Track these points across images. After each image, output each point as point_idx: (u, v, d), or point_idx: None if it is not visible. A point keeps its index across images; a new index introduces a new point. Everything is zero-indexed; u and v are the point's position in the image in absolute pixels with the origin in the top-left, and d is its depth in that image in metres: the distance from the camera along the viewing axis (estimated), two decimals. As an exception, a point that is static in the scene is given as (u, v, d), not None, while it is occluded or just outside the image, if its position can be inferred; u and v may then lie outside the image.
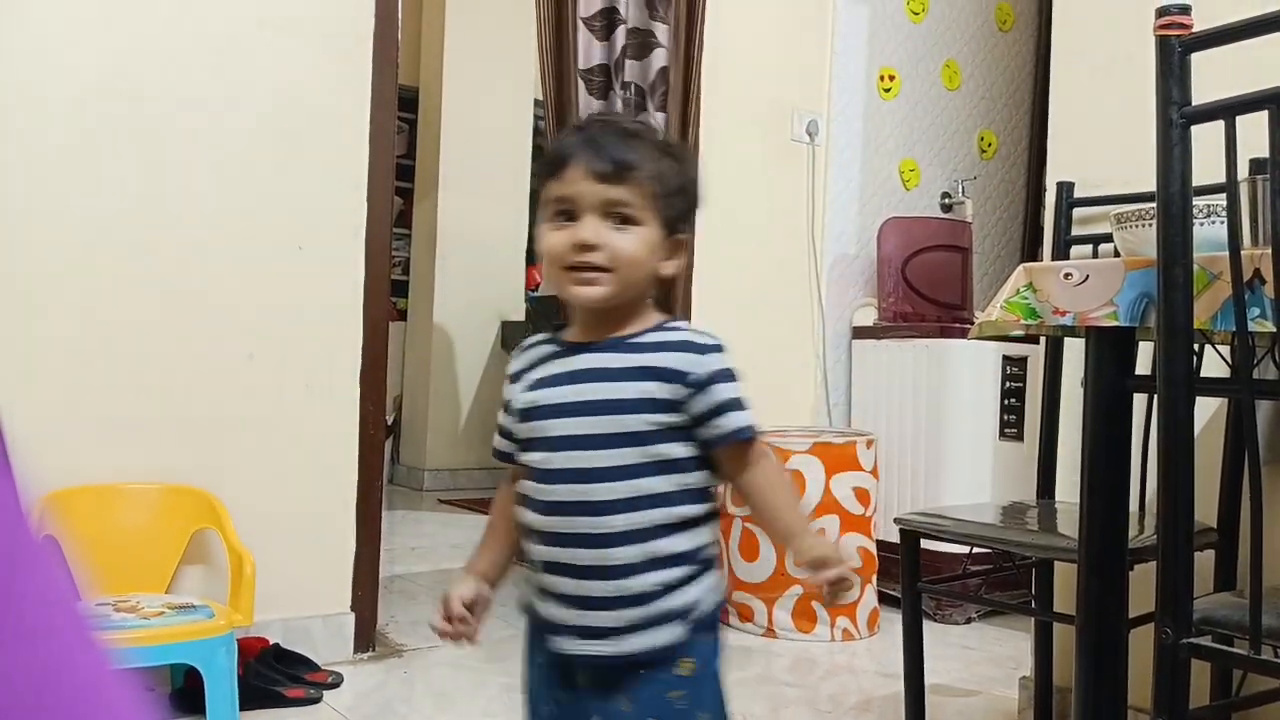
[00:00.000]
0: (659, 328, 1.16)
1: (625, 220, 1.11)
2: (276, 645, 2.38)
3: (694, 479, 1.12)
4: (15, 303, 2.20)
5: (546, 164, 1.16)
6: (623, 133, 1.15)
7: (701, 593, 1.12)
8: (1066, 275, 1.44)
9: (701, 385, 1.11)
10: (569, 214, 1.11)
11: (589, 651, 1.12)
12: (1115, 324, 1.36)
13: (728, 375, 1.12)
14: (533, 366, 1.19)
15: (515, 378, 1.21)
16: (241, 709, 2.12)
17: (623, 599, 1.10)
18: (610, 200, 1.10)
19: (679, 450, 1.11)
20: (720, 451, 1.13)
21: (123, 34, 2.32)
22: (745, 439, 1.12)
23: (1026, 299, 1.50)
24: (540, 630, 1.17)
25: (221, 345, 2.43)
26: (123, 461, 2.29)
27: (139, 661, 2.08)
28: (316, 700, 2.30)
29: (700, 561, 1.13)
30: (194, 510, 2.34)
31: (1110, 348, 1.44)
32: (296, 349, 2.53)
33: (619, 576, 1.10)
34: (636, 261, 1.11)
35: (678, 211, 1.15)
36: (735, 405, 1.12)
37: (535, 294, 5.24)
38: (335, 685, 2.38)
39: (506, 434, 1.22)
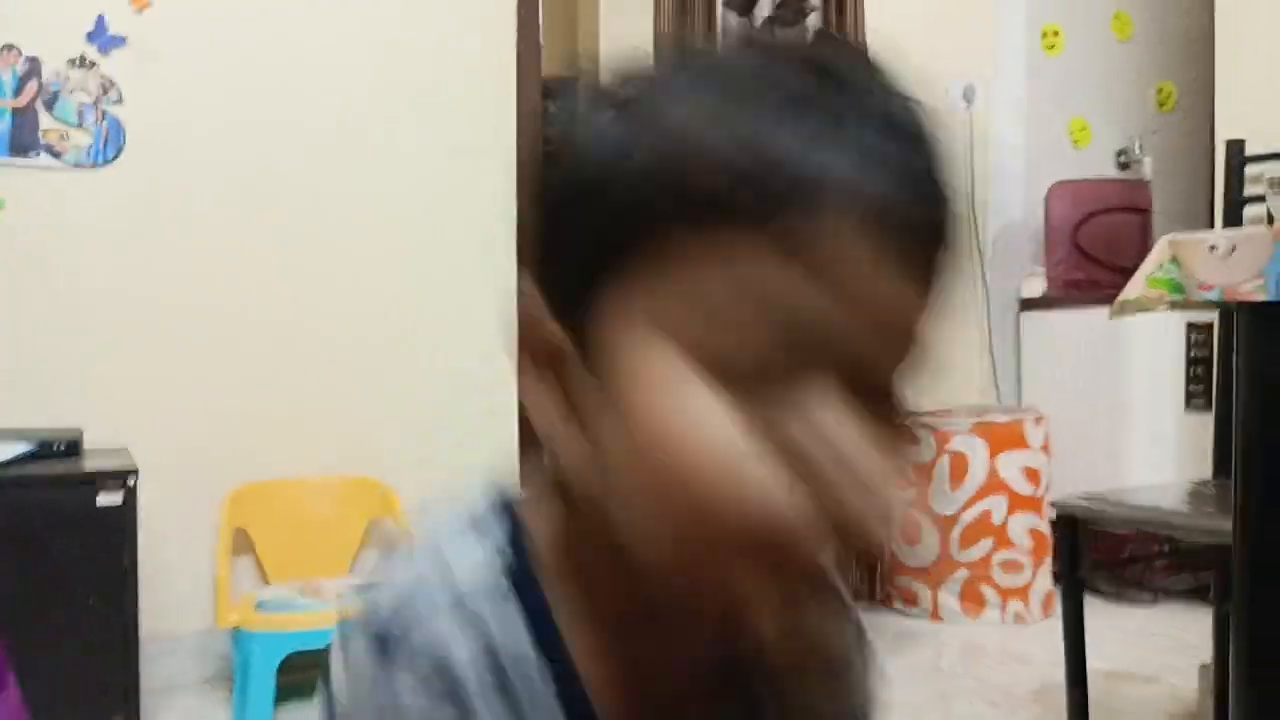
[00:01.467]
0: None
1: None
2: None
3: None
4: (201, 312, 2.41)
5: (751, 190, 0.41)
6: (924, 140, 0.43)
7: None
8: (1212, 247, 1.35)
9: None
10: None
11: None
12: (1264, 298, 1.27)
13: None
14: None
15: None
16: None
17: None
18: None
19: None
20: None
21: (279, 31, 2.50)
22: None
23: (1171, 273, 1.42)
24: None
25: (393, 350, 2.59)
26: (305, 456, 2.48)
27: (324, 642, 2.26)
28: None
29: None
30: (370, 500, 2.51)
31: (1263, 322, 1.34)
32: (460, 355, 2.65)
33: None
34: None
35: None
36: None
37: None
38: (504, 665, 2.50)
39: None
